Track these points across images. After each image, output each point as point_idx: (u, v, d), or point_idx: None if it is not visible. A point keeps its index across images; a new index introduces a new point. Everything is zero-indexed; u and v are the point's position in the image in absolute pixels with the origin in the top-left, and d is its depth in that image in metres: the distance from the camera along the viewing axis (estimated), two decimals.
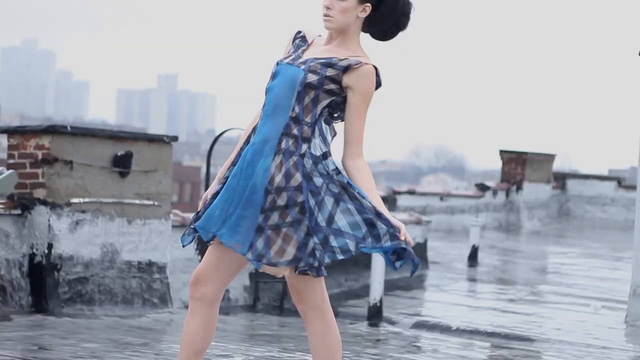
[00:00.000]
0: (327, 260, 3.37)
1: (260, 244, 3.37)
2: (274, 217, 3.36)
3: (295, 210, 3.36)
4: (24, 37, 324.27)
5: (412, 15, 3.53)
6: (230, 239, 3.38)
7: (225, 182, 3.50)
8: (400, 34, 3.56)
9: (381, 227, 3.35)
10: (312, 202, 3.37)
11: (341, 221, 3.37)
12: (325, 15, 3.47)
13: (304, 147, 3.41)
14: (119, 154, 6.97)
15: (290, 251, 3.36)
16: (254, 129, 3.51)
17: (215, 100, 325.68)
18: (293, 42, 3.61)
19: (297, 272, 3.42)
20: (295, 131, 3.42)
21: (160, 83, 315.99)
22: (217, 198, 3.46)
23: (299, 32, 3.63)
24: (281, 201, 3.36)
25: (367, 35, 3.58)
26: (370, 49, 3.57)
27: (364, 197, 3.39)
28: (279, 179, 3.37)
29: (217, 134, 15.26)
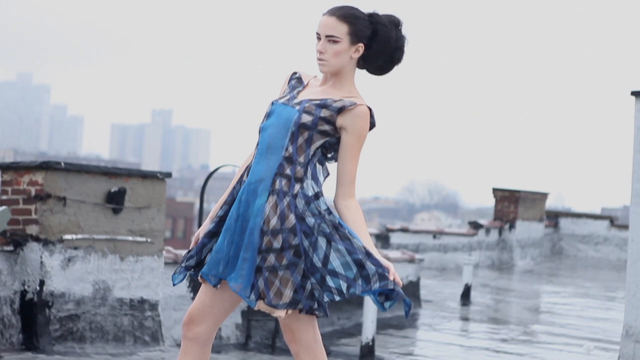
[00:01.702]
0: (326, 299, 3.39)
1: (261, 284, 3.38)
2: (271, 259, 3.37)
3: (291, 253, 3.37)
4: (18, 71, 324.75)
5: (406, 49, 3.56)
6: (235, 282, 3.39)
7: (218, 221, 3.52)
8: (396, 67, 3.59)
9: (370, 267, 3.37)
10: (306, 243, 3.38)
11: (335, 261, 3.38)
12: (319, 59, 3.50)
13: (297, 187, 3.43)
14: (113, 190, 6.97)
15: (288, 294, 3.37)
16: (247, 168, 3.53)
17: (209, 135, 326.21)
18: (289, 83, 3.64)
19: (300, 312, 3.43)
20: (288, 171, 3.44)
21: (155, 118, 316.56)
22: (219, 241, 3.47)
23: (295, 73, 3.67)
24: (277, 243, 3.37)
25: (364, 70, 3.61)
26: (365, 87, 3.61)
27: (354, 237, 3.40)
28: (274, 221, 3.39)
29: (211, 169, 15.28)
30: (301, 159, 3.45)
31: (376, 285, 3.36)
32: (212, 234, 3.52)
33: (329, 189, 3.63)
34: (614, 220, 19.19)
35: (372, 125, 3.51)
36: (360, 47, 3.50)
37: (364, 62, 3.55)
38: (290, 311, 3.40)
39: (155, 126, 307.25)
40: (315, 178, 3.47)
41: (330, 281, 3.38)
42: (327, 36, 3.48)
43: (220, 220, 3.52)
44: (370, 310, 7.83)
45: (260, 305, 3.40)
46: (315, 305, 3.41)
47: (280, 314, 3.39)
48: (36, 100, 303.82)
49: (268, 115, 3.54)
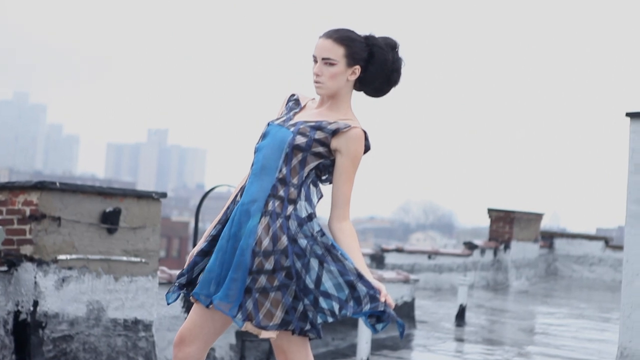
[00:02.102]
0: (319, 320, 3.39)
1: (249, 305, 3.38)
2: (262, 280, 3.37)
3: (282, 275, 3.37)
4: (15, 90, 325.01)
5: (403, 70, 3.57)
6: (221, 301, 3.38)
7: (211, 240, 3.52)
8: (393, 89, 3.61)
9: (361, 289, 3.37)
10: (298, 265, 3.38)
11: (327, 283, 3.38)
12: (316, 82, 3.52)
13: (290, 208, 3.43)
14: (108, 210, 6.97)
15: (279, 315, 3.37)
16: (242, 189, 3.54)
17: (205, 155, 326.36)
18: (286, 104, 3.66)
19: (293, 333, 3.42)
20: (281, 192, 3.44)
21: (151, 137, 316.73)
22: (210, 261, 3.47)
23: (293, 94, 3.69)
24: (269, 265, 3.37)
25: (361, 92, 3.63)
26: (361, 107, 3.62)
27: (346, 259, 3.40)
28: (266, 242, 3.39)
29: (207, 188, 15.31)
30: (295, 181, 3.46)
31: (367, 307, 3.36)
32: (205, 253, 3.53)
33: (323, 210, 3.64)
34: (608, 241, 19.20)
35: (367, 148, 3.52)
36: (357, 69, 3.52)
37: (360, 85, 3.57)
38: (280, 332, 3.40)
39: (151, 145, 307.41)
40: (308, 199, 3.48)
41: (323, 302, 3.38)
42: (323, 59, 3.49)
43: (213, 240, 3.53)
44: (364, 331, 7.81)
45: (248, 327, 3.40)
46: (308, 327, 3.41)
47: (270, 335, 3.39)
48: (32, 119, 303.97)
49: (263, 136, 3.55)
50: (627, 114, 7.51)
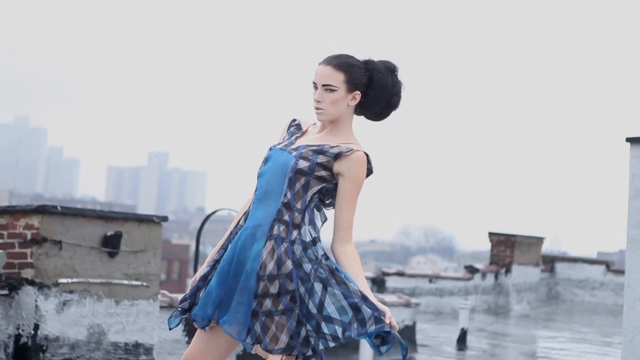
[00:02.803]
0: (321, 347, 3.39)
1: (257, 328, 3.39)
2: (267, 304, 3.38)
3: (287, 298, 3.38)
4: (15, 114, 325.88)
5: (402, 94, 3.58)
6: (230, 325, 3.39)
7: (214, 265, 3.53)
8: (393, 113, 3.62)
9: (366, 310, 3.37)
10: (302, 289, 3.39)
11: (330, 307, 3.38)
12: (317, 108, 3.54)
13: (295, 233, 3.44)
14: (109, 234, 6.97)
15: (284, 339, 3.38)
16: (245, 214, 3.54)
17: (205, 178, 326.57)
18: (288, 129, 3.68)
19: (296, 358, 3.43)
20: (286, 217, 3.45)
21: (151, 160, 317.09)
22: (210, 283, 3.47)
23: (294, 120, 3.71)
24: (273, 289, 3.38)
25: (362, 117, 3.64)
26: (362, 131, 3.63)
27: (350, 281, 3.41)
28: (271, 266, 3.40)
29: (207, 211, 15.32)
30: (298, 205, 3.47)
31: (372, 328, 3.36)
32: (207, 277, 3.53)
33: (327, 233, 3.65)
34: (610, 265, 19.17)
35: (370, 171, 3.53)
36: (357, 94, 3.53)
37: (361, 109, 3.58)
38: (284, 357, 3.40)
39: (151, 168, 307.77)
40: (312, 223, 3.49)
41: (325, 328, 3.38)
42: (323, 85, 3.51)
43: (216, 264, 3.54)
44: (366, 355, 7.79)
45: (258, 350, 3.42)
46: (310, 352, 3.41)
47: (275, 359, 3.39)
48: (33, 143, 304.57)
49: (266, 161, 3.57)
50: (627, 139, 7.52)
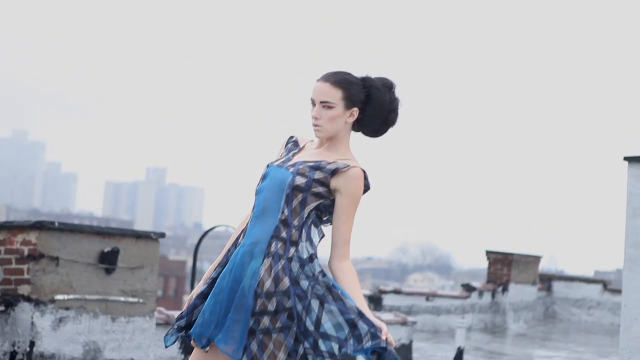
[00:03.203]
0: None
1: (254, 347, 3.38)
2: (265, 321, 3.38)
3: (285, 316, 3.37)
4: (14, 128, 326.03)
5: (400, 110, 3.60)
6: (226, 344, 3.38)
7: (211, 283, 3.52)
8: (391, 129, 3.63)
9: (362, 326, 3.37)
10: (299, 307, 3.39)
11: (327, 324, 3.38)
12: (315, 125, 3.55)
13: (292, 250, 3.44)
14: (106, 250, 6.96)
15: (282, 357, 3.38)
16: (244, 231, 3.55)
17: (203, 193, 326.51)
18: (285, 146, 3.69)
19: None
20: (284, 234, 3.46)
21: (149, 176, 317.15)
22: (207, 302, 3.47)
23: (292, 137, 3.71)
24: (271, 306, 3.38)
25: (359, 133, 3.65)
26: (359, 148, 3.64)
27: (347, 298, 3.41)
28: (268, 283, 3.39)
29: (204, 227, 15.32)
30: (296, 222, 3.47)
31: (368, 344, 3.36)
32: (204, 296, 3.53)
33: (324, 249, 3.65)
34: (607, 285, 19.15)
35: (367, 188, 3.54)
36: (355, 111, 3.54)
37: (358, 126, 3.59)
38: None
39: (149, 184, 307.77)
40: (310, 240, 3.49)
41: (322, 345, 3.38)
42: (321, 102, 3.52)
43: (213, 282, 3.53)
44: None
45: None
46: None
47: None
48: (31, 157, 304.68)
49: (263, 178, 3.57)
50: (625, 158, 7.54)
